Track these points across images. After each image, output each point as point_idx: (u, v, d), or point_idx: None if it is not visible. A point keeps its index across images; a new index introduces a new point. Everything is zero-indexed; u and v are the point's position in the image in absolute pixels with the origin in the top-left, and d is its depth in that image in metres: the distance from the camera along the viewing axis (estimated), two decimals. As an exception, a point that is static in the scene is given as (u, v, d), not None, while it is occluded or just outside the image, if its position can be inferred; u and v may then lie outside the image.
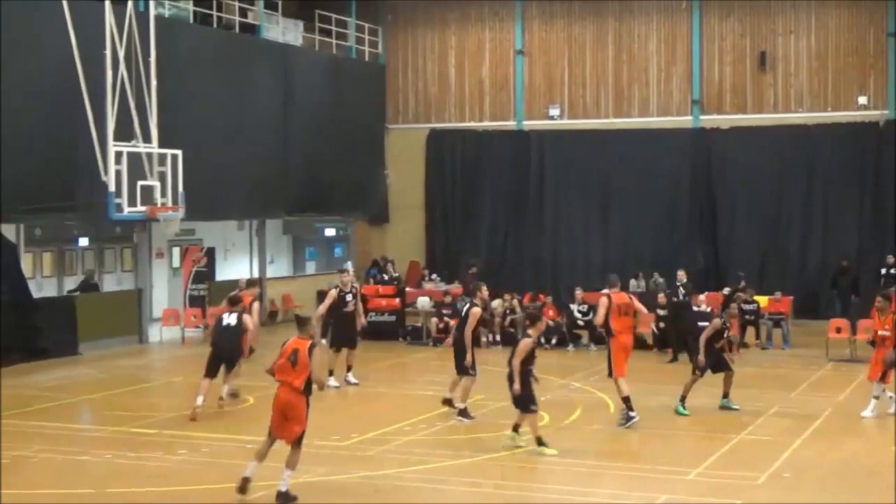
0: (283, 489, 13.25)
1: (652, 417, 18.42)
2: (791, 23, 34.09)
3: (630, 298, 18.67)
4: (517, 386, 15.89)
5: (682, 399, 18.83)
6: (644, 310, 20.67)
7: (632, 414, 17.77)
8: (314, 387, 13.63)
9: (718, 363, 19.10)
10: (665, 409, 18.85)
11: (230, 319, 19.33)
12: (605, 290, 18.41)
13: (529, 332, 16.53)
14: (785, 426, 18.11)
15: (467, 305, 18.85)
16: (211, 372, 19.09)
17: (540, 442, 15.95)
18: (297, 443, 13.45)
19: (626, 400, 17.83)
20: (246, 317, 19.40)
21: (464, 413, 18.39)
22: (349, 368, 22.10)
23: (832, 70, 33.78)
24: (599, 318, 18.44)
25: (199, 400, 18.66)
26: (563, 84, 36.24)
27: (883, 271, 30.63)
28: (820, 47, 33.84)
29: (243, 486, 13.32)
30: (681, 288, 26.33)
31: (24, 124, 23.80)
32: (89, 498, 13.71)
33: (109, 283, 30.51)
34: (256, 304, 21.06)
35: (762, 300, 28.29)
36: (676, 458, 15.71)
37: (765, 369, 24.73)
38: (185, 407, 18.92)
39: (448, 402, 18.68)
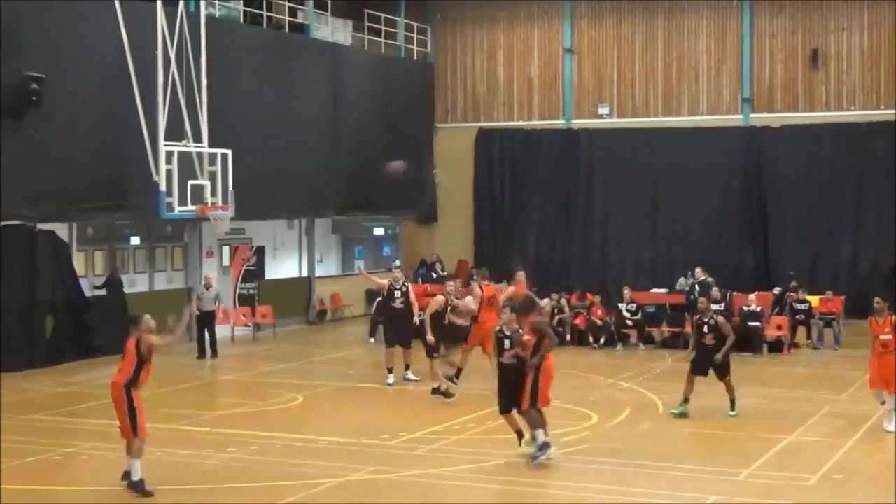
0: (135, 479, 13.49)
1: (701, 418, 18.33)
2: (843, 19, 33.76)
3: (496, 290, 21.05)
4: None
5: (685, 400, 18.50)
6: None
7: (456, 381, 20.19)
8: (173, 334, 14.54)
9: (718, 369, 18.44)
10: (714, 410, 18.72)
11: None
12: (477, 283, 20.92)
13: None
14: (836, 427, 17.95)
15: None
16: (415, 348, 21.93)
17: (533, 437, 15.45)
18: (133, 433, 13.67)
19: (458, 372, 20.40)
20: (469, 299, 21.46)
21: (438, 391, 19.92)
22: (407, 367, 22.17)
23: (885, 67, 33.38)
24: (474, 309, 20.49)
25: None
26: (612, 82, 36.13)
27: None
28: (872, 44, 33.47)
29: (125, 477, 13.78)
30: (696, 286, 25.62)
31: (77, 124, 24.07)
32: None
33: (160, 282, 30.73)
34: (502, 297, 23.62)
35: (814, 300, 28.01)
36: (726, 459, 15.61)
37: (816, 369, 24.54)
38: (236, 405, 19.08)
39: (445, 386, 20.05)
